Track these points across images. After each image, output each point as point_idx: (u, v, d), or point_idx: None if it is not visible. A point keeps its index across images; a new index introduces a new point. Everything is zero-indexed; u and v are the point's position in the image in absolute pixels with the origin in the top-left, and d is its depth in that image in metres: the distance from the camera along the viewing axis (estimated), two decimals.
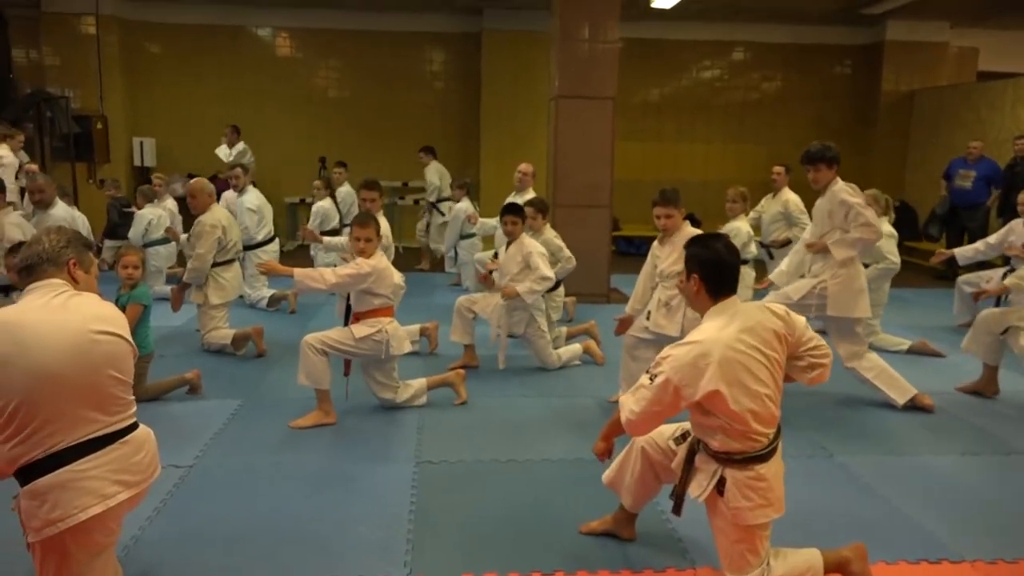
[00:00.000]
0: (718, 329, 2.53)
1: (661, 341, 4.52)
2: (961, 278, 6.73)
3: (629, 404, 2.62)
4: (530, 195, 6.90)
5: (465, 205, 8.59)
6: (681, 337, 4.34)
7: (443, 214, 9.40)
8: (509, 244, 5.37)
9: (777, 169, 7.59)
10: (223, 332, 5.65)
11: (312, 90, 11.50)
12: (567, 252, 6.23)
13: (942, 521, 3.32)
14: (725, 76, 11.92)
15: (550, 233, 6.14)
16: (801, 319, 2.74)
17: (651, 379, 2.55)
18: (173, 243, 7.42)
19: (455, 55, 11.57)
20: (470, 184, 8.87)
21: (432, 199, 9.68)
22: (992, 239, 5.92)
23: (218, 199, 6.14)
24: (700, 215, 11.25)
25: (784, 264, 5.19)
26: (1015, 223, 6.25)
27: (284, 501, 3.42)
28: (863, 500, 3.54)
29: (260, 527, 3.19)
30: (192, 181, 5.83)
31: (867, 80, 11.73)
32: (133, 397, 2.45)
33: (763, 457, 2.59)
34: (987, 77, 11.19)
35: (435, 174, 9.71)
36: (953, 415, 4.67)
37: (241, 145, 10.28)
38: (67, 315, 2.28)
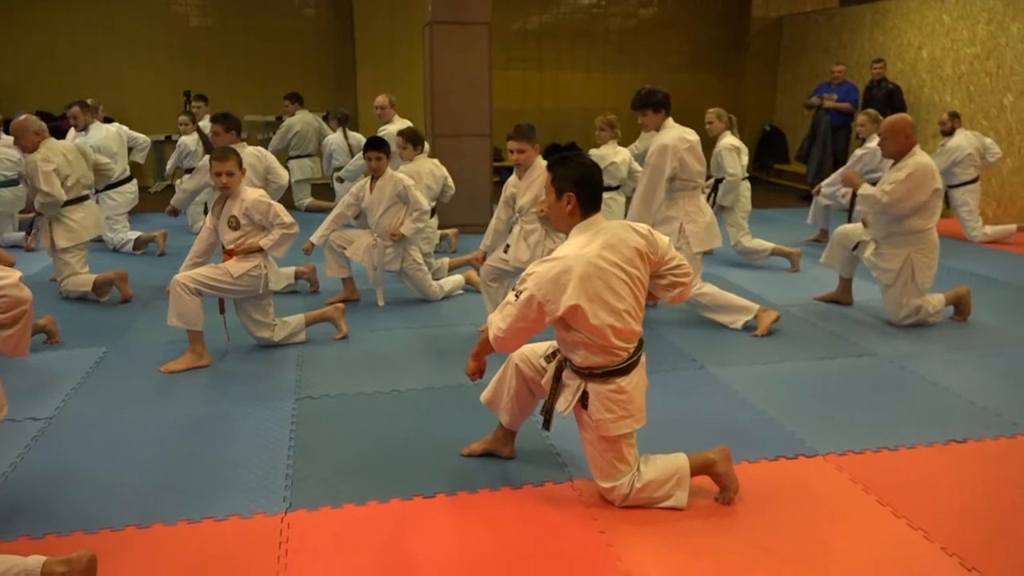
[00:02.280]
0: (581, 246, 2.58)
1: (518, 272, 4.59)
2: (823, 192, 7.08)
3: (496, 321, 2.67)
4: (397, 125, 6.76)
5: (335, 137, 8.34)
6: None
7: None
8: (375, 179, 5.22)
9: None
10: (82, 278, 5.29)
11: (172, 19, 10.73)
12: (451, 182, 6.17)
13: (800, 421, 3.55)
14: (602, 3, 11.89)
15: (429, 163, 6.05)
16: (664, 238, 2.82)
17: (516, 296, 2.61)
18: (21, 186, 6.86)
19: None
20: (345, 116, 8.60)
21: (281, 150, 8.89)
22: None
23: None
24: (581, 143, 11.34)
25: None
26: (859, 152, 6.68)
27: (156, 446, 3.30)
28: (731, 406, 3.74)
29: (131, 473, 3.06)
30: (15, 121, 5.21)
31: (738, 6, 11.97)
32: None
33: (624, 371, 2.68)
34: (849, 3, 11.62)
35: (285, 134, 8.99)
36: (813, 323, 4.97)
37: None
38: None
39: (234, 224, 4.17)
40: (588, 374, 2.70)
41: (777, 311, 4.82)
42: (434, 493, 2.93)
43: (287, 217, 4.21)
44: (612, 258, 2.59)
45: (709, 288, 4.82)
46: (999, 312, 5.20)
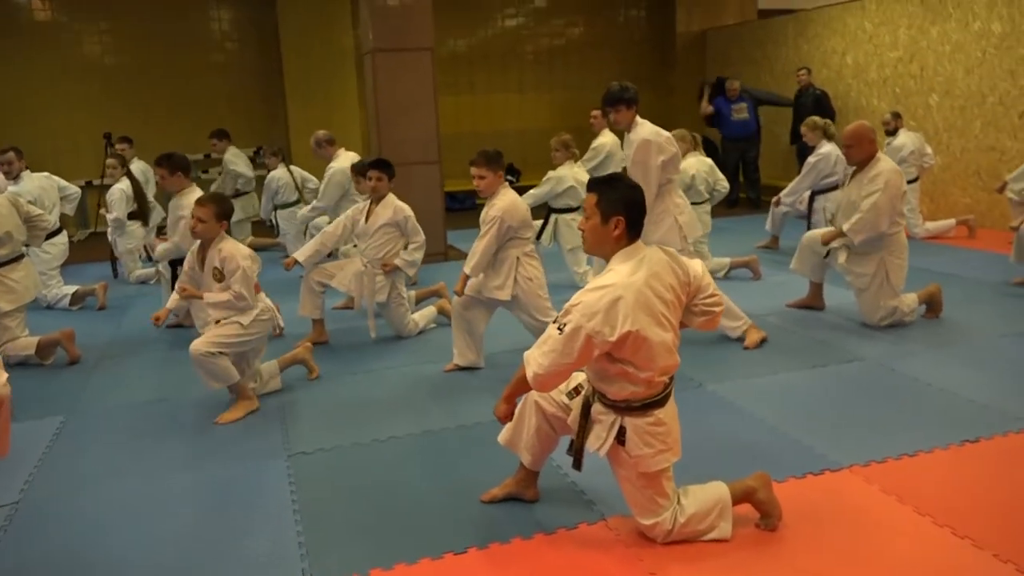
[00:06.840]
0: (629, 274, 2.46)
1: (491, 304, 4.43)
2: (783, 201, 7.15)
3: (536, 358, 2.48)
4: (343, 160, 6.56)
5: (280, 173, 8.02)
6: (510, 300, 4.28)
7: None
8: (373, 203, 5.02)
9: (595, 112, 7.71)
10: (23, 341, 4.87)
11: (84, 58, 10.20)
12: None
13: (814, 433, 3.50)
14: (530, 23, 11.92)
15: (391, 196, 5.85)
16: (699, 265, 2.73)
17: (559, 329, 2.43)
18: None
19: (246, 12, 10.70)
20: (283, 150, 8.29)
21: (229, 192, 8.39)
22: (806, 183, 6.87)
23: None
24: (520, 165, 11.32)
25: None
26: (812, 160, 6.81)
27: (147, 522, 2.99)
28: (742, 424, 3.67)
29: (126, 555, 2.76)
30: None
31: (663, 23, 12.18)
32: None
33: (661, 401, 2.58)
34: (768, 15, 11.97)
35: (240, 163, 8.52)
36: (793, 331, 4.98)
37: None
38: None
39: (218, 276, 3.92)
40: (625, 407, 2.56)
41: (765, 332, 4.78)
42: (465, 548, 2.73)
43: (241, 288, 3.92)
44: (658, 287, 2.48)
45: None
46: (962, 307, 5.31)
